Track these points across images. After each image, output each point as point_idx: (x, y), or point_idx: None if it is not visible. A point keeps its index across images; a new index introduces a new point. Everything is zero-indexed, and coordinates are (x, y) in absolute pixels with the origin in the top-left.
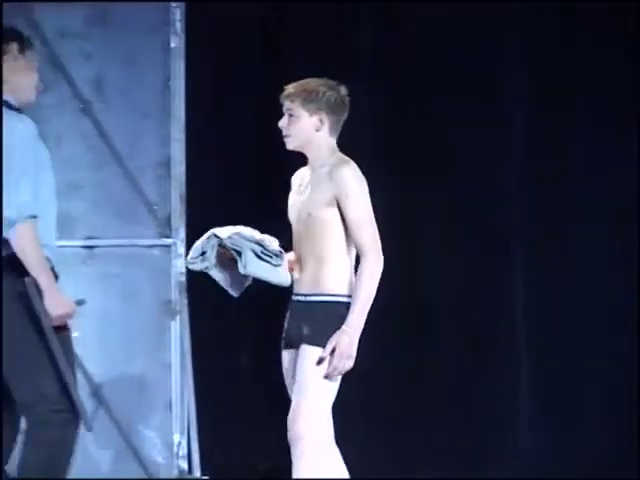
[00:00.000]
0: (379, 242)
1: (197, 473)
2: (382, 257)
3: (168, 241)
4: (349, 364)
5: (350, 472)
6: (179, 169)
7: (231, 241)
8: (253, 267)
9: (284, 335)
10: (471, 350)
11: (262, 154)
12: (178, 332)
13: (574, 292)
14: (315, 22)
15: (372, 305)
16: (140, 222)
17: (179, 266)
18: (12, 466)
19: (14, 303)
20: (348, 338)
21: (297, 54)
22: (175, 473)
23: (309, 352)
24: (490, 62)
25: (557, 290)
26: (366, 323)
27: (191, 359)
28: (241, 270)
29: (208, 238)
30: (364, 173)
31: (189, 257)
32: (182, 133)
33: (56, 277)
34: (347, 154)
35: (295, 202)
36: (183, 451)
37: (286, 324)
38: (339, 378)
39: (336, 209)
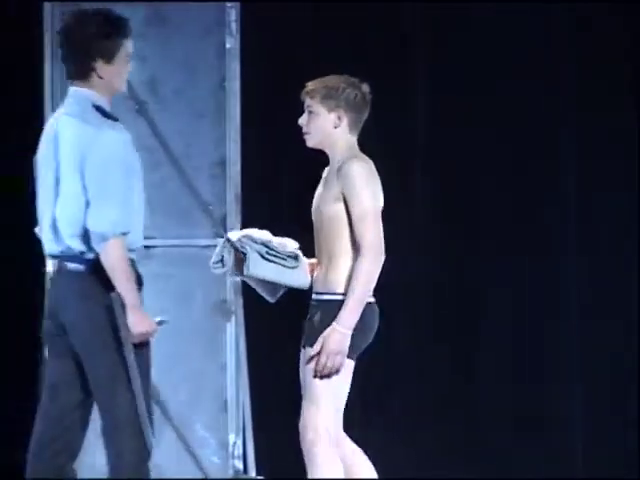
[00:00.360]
0: (381, 240)
1: (252, 473)
2: (382, 256)
3: None
4: (338, 361)
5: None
6: (234, 169)
7: (240, 244)
8: (258, 269)
9: (302, 335)
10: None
11: (317, 153)
12: (233, 332)
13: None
14: (368, 22)
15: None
16: (195, 222)
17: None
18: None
19: (99, 316)
20: (338, 335)
21: (351, 53)
22: (230, 473)
23: (309, 354)
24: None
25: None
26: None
27: (246, 359)
28: (245, 272)
29: (224, 242)
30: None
31: (210, 262)
32: (237, 133)
33: (141, 283)
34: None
35: (314, 201)
36: (238, 451)
37: (304, 324)
38: (348, 377)
39: (343, 205)
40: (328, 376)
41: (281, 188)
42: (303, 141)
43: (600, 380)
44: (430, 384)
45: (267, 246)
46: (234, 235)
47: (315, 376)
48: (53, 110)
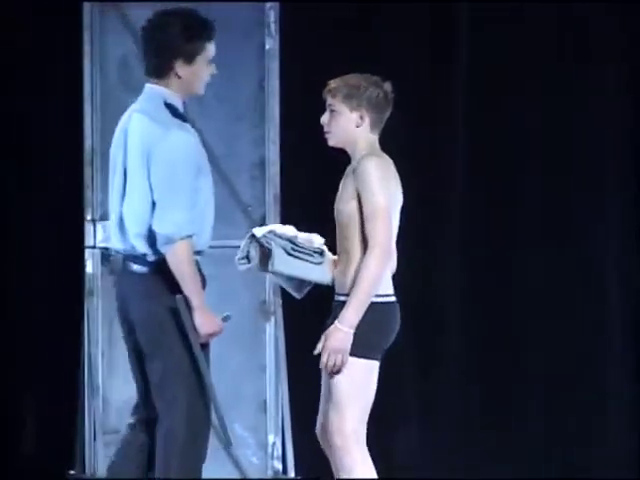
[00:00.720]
0: (390, 239)
1: (291, 474)
2: (390, 255)
3: None
4: (340, 359)
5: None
6: (273, 170)
7: (265, 239)
8: (282, 265)
9: None
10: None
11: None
12: (272, 333)
13: None
14: (409, 22)
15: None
16: (235, 223)
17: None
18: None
19: (163, 317)
20: (339, 334)
21: (392, 54)
22: (269, 474)
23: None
24: None
25: None
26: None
27: (285, 360)
28: (269, 268)
29: (249, 238)
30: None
31: (236, 258)
32: (276, 134)
33: (204, 284)
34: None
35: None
36: (277, 452)
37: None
38: (371, 377)
39: (357, 203)
40: (334, 374)
41: (320, 189)
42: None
43: None
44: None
45: (292, 242)
46: (259, 231)
47: (327, 380)
48: (92, 109)
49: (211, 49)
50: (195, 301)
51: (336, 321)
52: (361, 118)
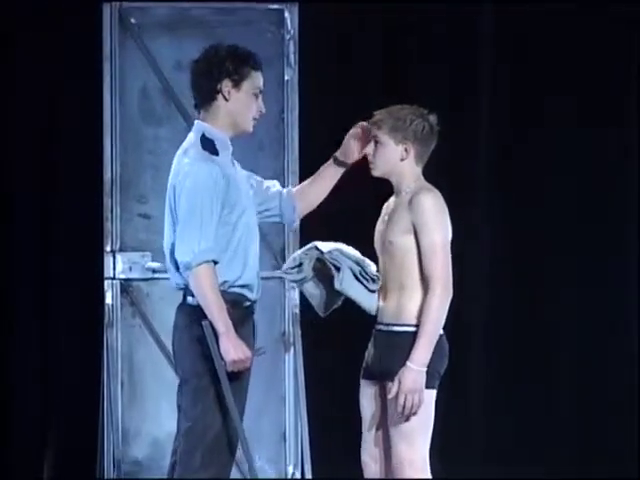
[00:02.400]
0: (450, 275)
1: None
2: (451, 291)
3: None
4: (417, 398)
5: None
6: None
7: (331, 256)
8: (348, 285)
9: (365, 365)
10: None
11: (375, 185)
12: (292, 364)
13: None
14: (427, 52)
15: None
16: None
17: (293, 298)
18: None
19: (191, 348)
20: (413, 375)
21: (410, 86)
22: None
23: (389, 388)
24: None
25: None
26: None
27: (305, 391)
28: (337, 286)
29: (308, 250)
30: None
31: (285, 267)
32: (296, 165)
33: (246, 316)
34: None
35: (379, 230)
36: None
37: (367, 354)
38: (433, 406)
39: (414, 236)
40: (411, 414)
41: (338, 220)
42: (359, 173)
43: None
44: None
45: (360, 265)
46: (324, 246)
47: (400, 416)
48: (112, 140)
49: (258, 79)
50: (220, 327)
51: (407, 362)
52: (406, 151)
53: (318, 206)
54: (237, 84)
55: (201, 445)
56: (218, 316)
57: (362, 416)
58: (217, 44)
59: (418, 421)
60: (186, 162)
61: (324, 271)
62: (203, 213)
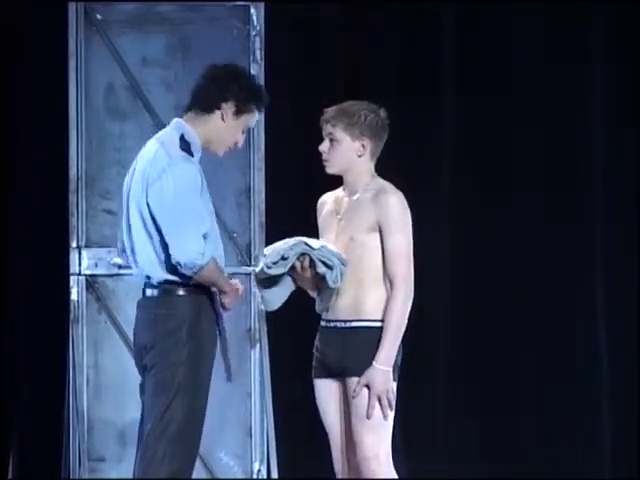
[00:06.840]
0: (412, 276)
1: None
2: (413, 292)
3: (248, 269)
4: (390, 396)
5: None
6: (259, 197)
7: (321, 253)
8: (339, 282)
9: (317, 363)
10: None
11: (341, 182)
12: (258, 360)
13: None
14: (393, 53)
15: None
16: None
17: (259, 294)
18: None
19: (160, 340)
20: (382, 375)
21: (377, 86)
22: None
23: (353, 386)
24: None
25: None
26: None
27: (271, 387)
28: (331, 284)
29: (294, 245)
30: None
31: (268, 260)
32: (262, 162)
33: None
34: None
35: (331, 226)
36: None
37: (318, 351)
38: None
39: (378, 235)
40: (384, 412)
41: (305, 216)
42: (321, 173)
43: None
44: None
45: (344, 263)
46: (314, 243)
47: (369, 416)
48: (77, 107)
49: (254, 119)
50: (225, 288)
51: (374, 363)
52: (363, 147)
53: (284, 203)
54: (239, 113)
55: (163, 438)
56: (225, 284)
57: (322, 418)
58: (241, 67)
59: (383, 415)
60: (167, 161)
61: (303, 266)
62: (198, 212)
